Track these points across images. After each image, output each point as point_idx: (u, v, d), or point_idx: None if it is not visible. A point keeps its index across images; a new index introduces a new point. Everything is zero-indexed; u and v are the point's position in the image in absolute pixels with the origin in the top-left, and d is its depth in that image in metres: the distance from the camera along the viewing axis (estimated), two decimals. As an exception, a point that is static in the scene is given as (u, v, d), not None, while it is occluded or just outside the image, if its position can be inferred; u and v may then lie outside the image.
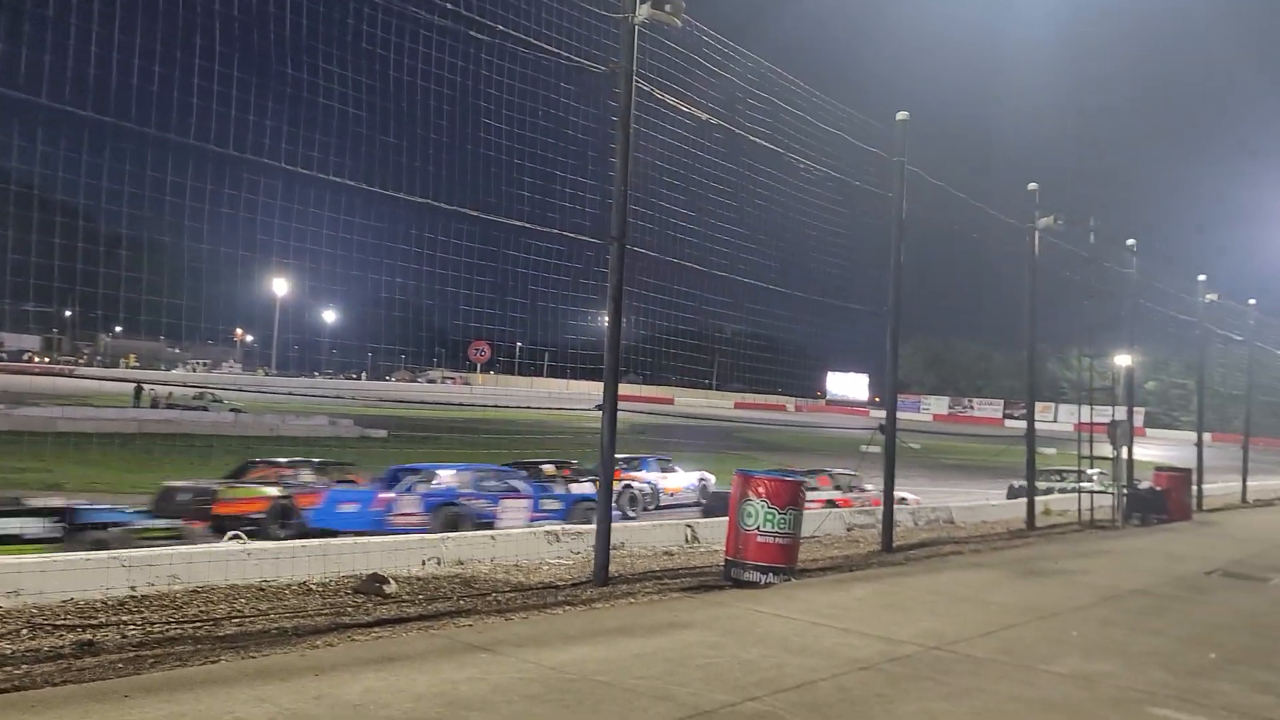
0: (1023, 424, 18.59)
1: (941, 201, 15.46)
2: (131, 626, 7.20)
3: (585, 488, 18.03)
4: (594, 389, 10.36)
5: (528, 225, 10.02)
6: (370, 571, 9.25)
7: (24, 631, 6.95)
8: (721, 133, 11.95)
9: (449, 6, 9.14)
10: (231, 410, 41.93)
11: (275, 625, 7.51)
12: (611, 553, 10.15)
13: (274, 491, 16.53)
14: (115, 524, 12.15)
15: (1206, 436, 26.82)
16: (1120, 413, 20.06)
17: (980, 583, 11.38)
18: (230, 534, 10.26)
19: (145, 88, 7.39)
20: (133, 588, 8.19)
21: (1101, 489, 19.56)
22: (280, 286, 12.05)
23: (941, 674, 7.06)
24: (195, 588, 8.45)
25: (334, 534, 12.60)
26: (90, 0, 7.10)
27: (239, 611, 7.90)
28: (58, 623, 7.20)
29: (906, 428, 15.28)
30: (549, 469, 19.33)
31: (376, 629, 7.53)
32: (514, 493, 17.06)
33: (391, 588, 8.85)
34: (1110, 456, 18.95)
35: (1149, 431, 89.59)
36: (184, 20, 7.78)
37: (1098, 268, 20.24)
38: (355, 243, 9.07)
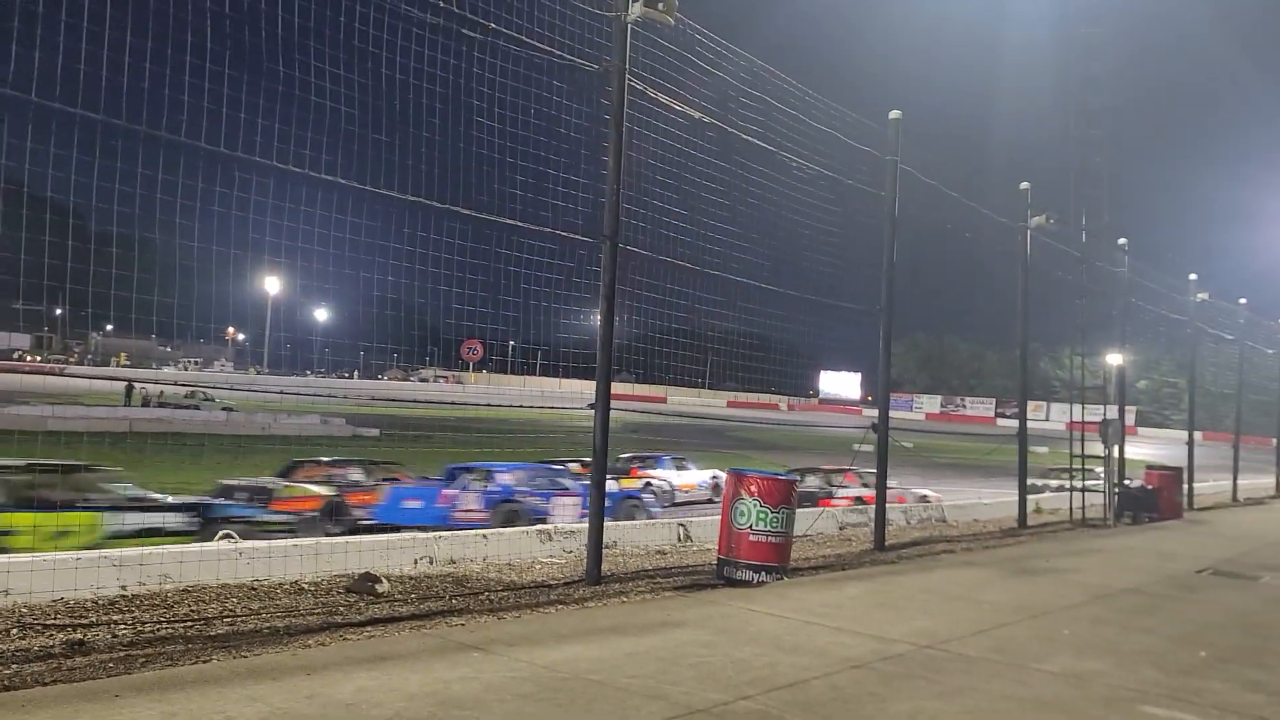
0: (1015, 423, 18.60)
1: (934, 200, 15.49)
2: (122, 626, 7.18)
3: (619, 485, 19.03)
4: (587, 388, 10.35)
5: (520, 224, 10.01)
6: (362, 571, 9.23)
7: (14, 631, 6.93)
8: (714, 131, 11.95)
9: (441, 4, 9.12)
10: (223, 409, 41.85)
11: (267, 625, 7.49)
12: (604, 552, 10.16)
13: (326, 490, 17.11)
14: (240, 518, 12.78)
15: (1198, 435, 26.95)
16: (1112, 411, 20.10)
17: (972, 581, 11.40)
18: (221, 533, 10.23)
19: (136, 85, 7.36)
20: (124, 587, 8.17)
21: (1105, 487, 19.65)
22: (272, 285, 12.02)
23: (934, 672, 7.06)
24: (186, 587, 8.43)
25: (397, 529, 13.55)
26: (80, -3, 7.08)
27: (230, 611, 7.88)
28: (48, 622, 7.17)
29: (899, 426, 15.31)
30: (575, 467, 19.99)
31: (369, 628, 7.52)
32: (564, 490, 17.66)
33: (384, 587, 8.84)
34: (1102, 455, 18.98)
35: (1140, 430, 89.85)
36: (175, 18, 7.74)
37: (1090, 267, 20.26)
38: (347, 241, 9.04)
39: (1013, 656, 7.71)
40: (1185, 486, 22.78)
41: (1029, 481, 18.78)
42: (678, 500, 25.27)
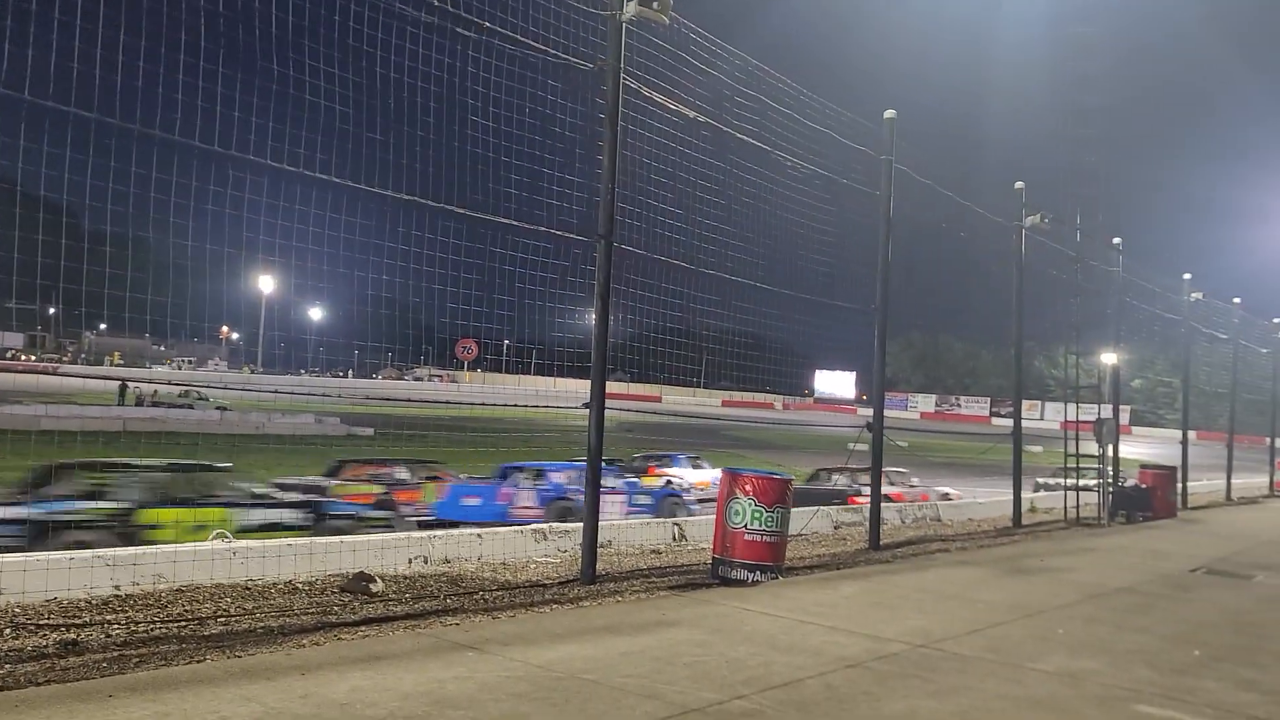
0: (1009, 422, 18.63)
1: (929, 200, 15.51)
2: (116, 626, 7.17)
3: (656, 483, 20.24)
4: (581, 387, 10.34)
5: (515, 223, 10.00)
6: (357, 570, 9.22)
7: (7, 631, 6.91)
8: (709, 130, 11.94)
9: (435, 3, 9.11)
10: (217, 408, 41.77)
11: (261, 624, 7.48)
12: (599, 551, 10.15)
13: (376, 489, 17.77)
14: (348, 515, 13.66)
15: (1192, 434, 26.94)
16: (1106, 411, 20.12)
17: (967, 580, 11.41)
18: (215, 533, 10.22)
19: (130, 84, 7.34)
20: (117, 587, 8.15)
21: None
22: (266, 284, 12.00)
23: (928, 672, 7.07)
24: (180, 587, 8.41)
25: (455, 524, 14.37)
26: (74, -4, 7.06)
27: (224, 611, 7.87)
28: (41, 622, 7.16)
29: (894, 425, 15.30)
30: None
31: (363, 628, 7.51)
32: (611, 489, 18.11)
33: (378, 586, 8.83)
34: (1096, 454, 19.01)
35: (1135, 429, 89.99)
36: (169, 16, 7.73)
37: (1084, 266, 20.30)
38: (341, 240, 9.02)
39: (1007, 656, 7.72)
40: (1179, 486, 22.82)
41: (1039, 480, 18.87)
42: (693, 497, 25.45)
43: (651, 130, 11.24)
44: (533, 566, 10.76)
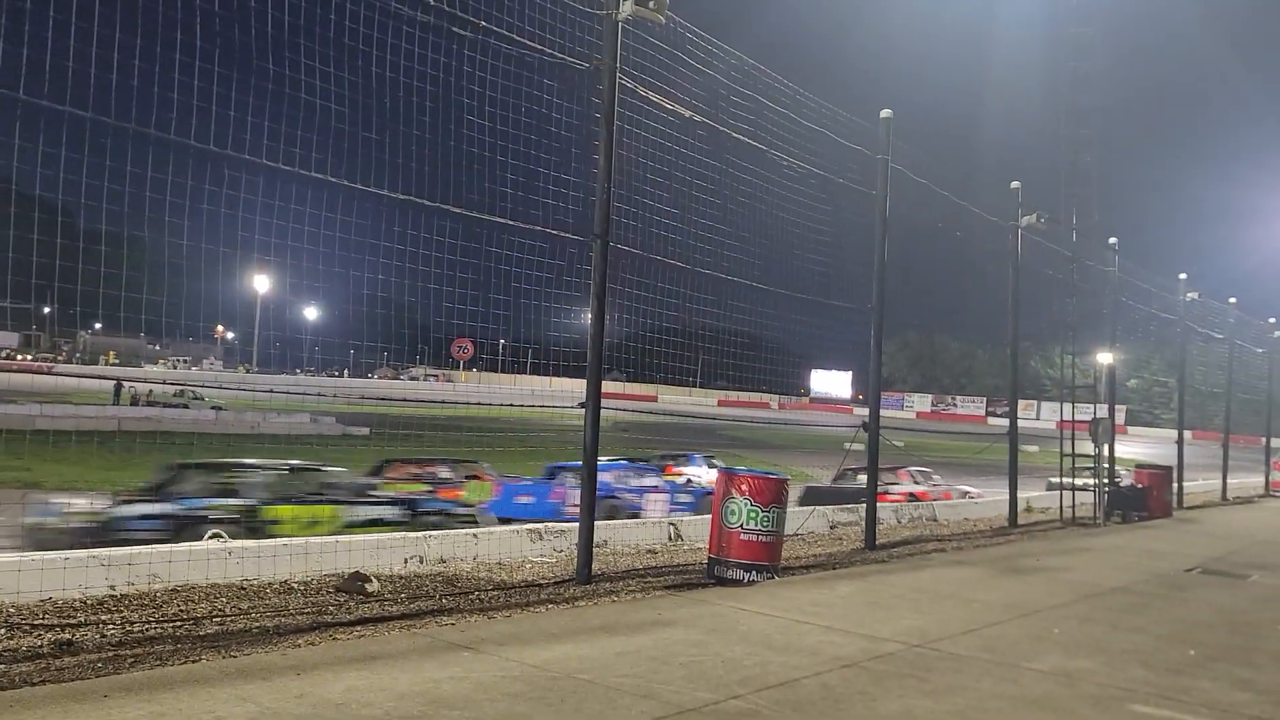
0: (1005, 421, 18.64)
1: (925, 199, 15.51)
2: (111, 626, 7.16)
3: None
4: (577, 386, 10.34)
5: (510, 222, 9.99)
6: (352, 570, 9.21)
7: (1, 631, 6.90)
8: (705, 130, 11.94)
9: (432, 2, 9.10)
10: (212, 408, 41.73)
11: (256, 624, 7.47)
12: (594, 551, 10.14)
13: (423, 487, 17.95)
14: (440, 512, 14.15)
15: (1187, 434, 26.99)
16: (1102, 410, 20.14)
17: (963, 580, 11.41)
18: (210, 533, 10.22)
19: (125, 83, 7.34)
20: (112, 587, 8.14)
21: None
22: (261, 283, 12.01)
23: (924, 671, 7.07)
24: (175, 587, 8.40)
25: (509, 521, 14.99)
26: (69, -6, 7.04)
27: (220, 610, 7.86)
28: (36, 622, 7.15)
29: (890, 425, 15.31)
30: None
31: (359, 628, 7.50)
32: (655, 488, 18.93)
33: (374, 586, 8.82)
34: (1092, 454, 19.02)
35: (1130, 429, 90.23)
36: (164, 15, 7.71)
37: (1080, 266, 20.31)
38: (337, 239, 9.01)
39: (1003, 655, 7.72)
40: (1175, 485, 22.84)
41: (1051, 480, 18.91)
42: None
43: (647, 130, 11.23)
44: (528, 566, 10.75)
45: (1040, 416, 78.58)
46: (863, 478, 22.87)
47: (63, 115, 6.96)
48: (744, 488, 10.36)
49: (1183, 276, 26.22)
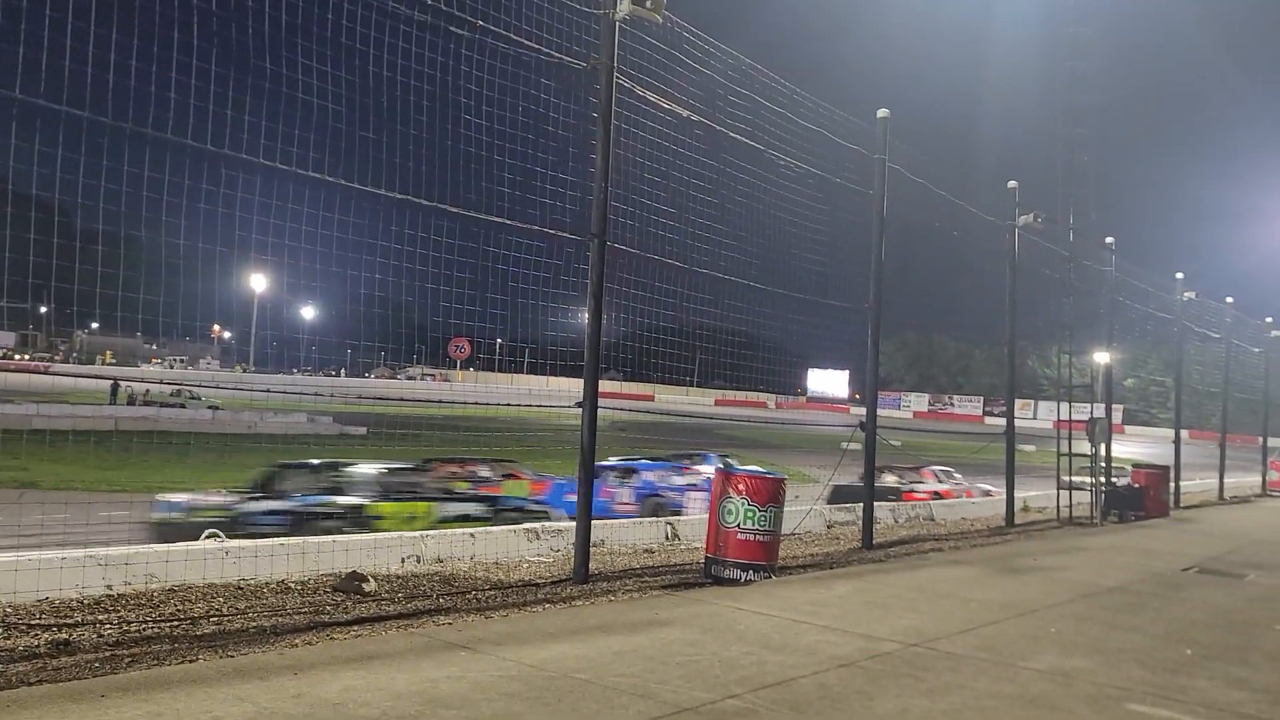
0: (1002, 421, 18.65)
1: (922, 199, 15.51)
2: (108, 626, 7.15)
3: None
4: (574, 386, 10.34)
5: (508, 221, 9.99)
6: (349, 570, 9.21)
7: (-2, 631, 6.90)
8: (702, 129, 11.94)
9: (429, 1, 9.10)
10: (209, 407, 41.74)
11: (253, 624, 7.47)
12: (591, 550, 10.15)
13: (465, 486, 18.57)
14: (518, 509, 14.97)
15: (1184, 434, 27.04)
16: (1099, 410, 20.14)
17: (960, 579, 11.42)
18: (207, 532, 10.22)
19: (123, 82, 7.33)
20: (109, 586, 8.13)
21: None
22: (258, 283, 11.99)
23: (921, 671, 7.08)
24: (172, 586, 8.39)
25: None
26: (66, -7, 7.04)
27: (217, 610, 7.86)
28: (33, 622, 7.14)
29: (887, 425, 15.32)
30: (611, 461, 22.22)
31: (355, 627, 7.50)
32: (695, 486, 19.28)
33: (371, 586, 8.82)
34: (1089, 454, 19.03)
35: (1127, 429, 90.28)
36: (161, 14, 7.71)
37: (1077, 265, 20.32)
38: (334, 239, 9.01)
39: (999, 654, 7.73)
40: (1172, 485, 22.86)
41: (1063, 479, 18.95)
42: None
43: (645, 129, 11.23)
44: (525, 566, 10.75)
45: (1037, 416, 78.72)
46: (888, 477, 23.34)
47: (59, 114, 6.96)
48: (741, 487, 10.36)
49: (1179, 276, 26.24)
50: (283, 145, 8.24)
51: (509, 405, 12.71)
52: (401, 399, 13.31)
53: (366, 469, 13.98)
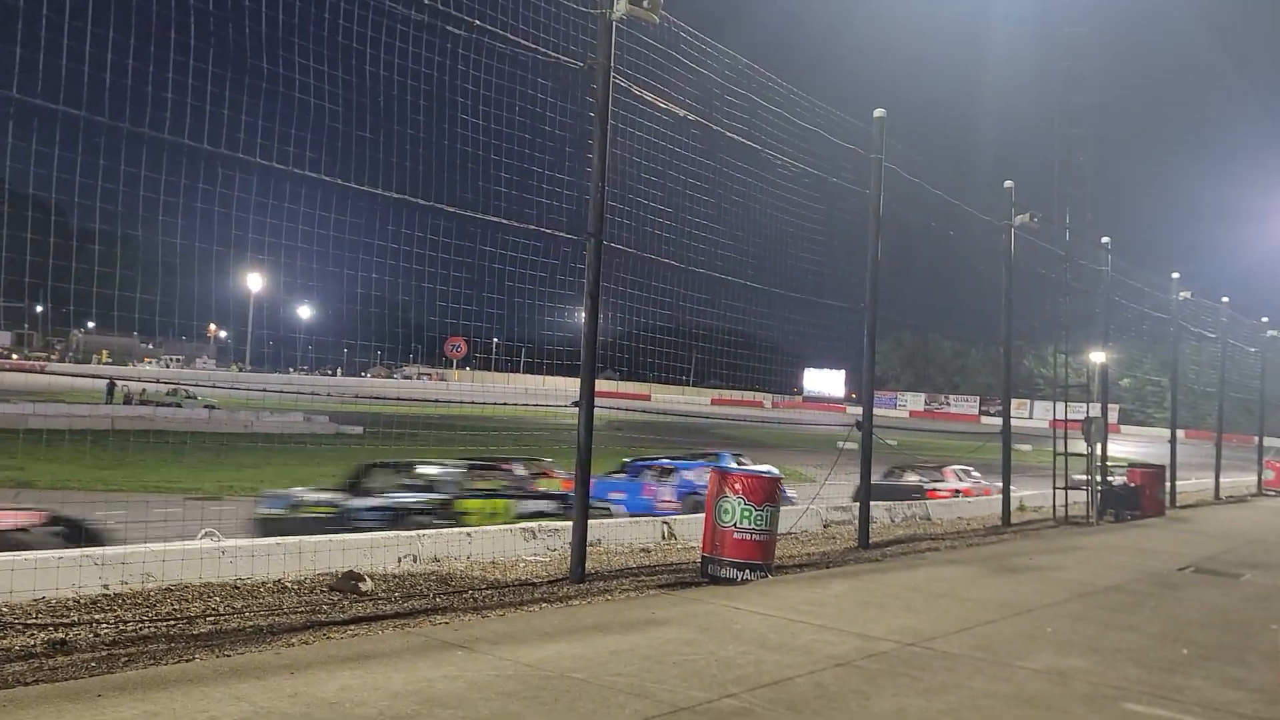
0: (999, 420, 18.66)
1: (919, 198, 15.52)
2: (104, 625, 7.14)
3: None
4: (571, 385, 10.34)
5: (504, 221, 9.99)
6: (346, 569, 9.20)
7: (-5, 630, 6.89)
8: (699, 129, 11.95)
9: (425, 1, 9.09)
10: (205, 407, 41.68)
11: (250, 623, 7.46)
12: (588, 549, 10.15)
13: (503, 484, 19.15)
14: (596, 505, 14.89)
15: (1180, 433, 27.06)
16: (1095, 409, 20.17)
17: (956, 579, 11.43)
18: (203, 531, 10.20)
19: (119, 82, 7.32)
20: (105, 586, 8.12)
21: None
22: (255, 282, 11.98)
23: (917, 670, 7.09)
24: (169, 586, 8.38)
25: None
26: (62, -7, 7.03)
27: (213, 610, 7.85)
28: (29, 621, 7.13)
29: (883, 424, 15.34)
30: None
31: (352, 627, 7.50)
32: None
33: (367, 585, 8.81)
34: (1085, 453, 19.05)
35: (1123, 428, 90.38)
36: (158, 14, 7.70)
37: (1073, 265, 20.35)
38: (331, 238, 9.01)
39: (996, 654, 7.74)
40: (1168, 484, 22.89)
41: (1074, 478, 19.02)
42: None
43: (641, 129, 11.24)
44: (522, 565, 10.75)
45: (1033, 415, 78.65)
46: (911, 476, 23.49)
47: (56, 114, 6.95)
48: (737, 486, 10.37)
49: (1175, 275, 26.29)
50: (279, 145, 8.24)
51: (505, 405, 12.68)
52: (398, 398, 13.37)
53: (452, 468, 14.56)
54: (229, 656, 6.49)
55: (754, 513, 10.30)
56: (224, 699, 5.51)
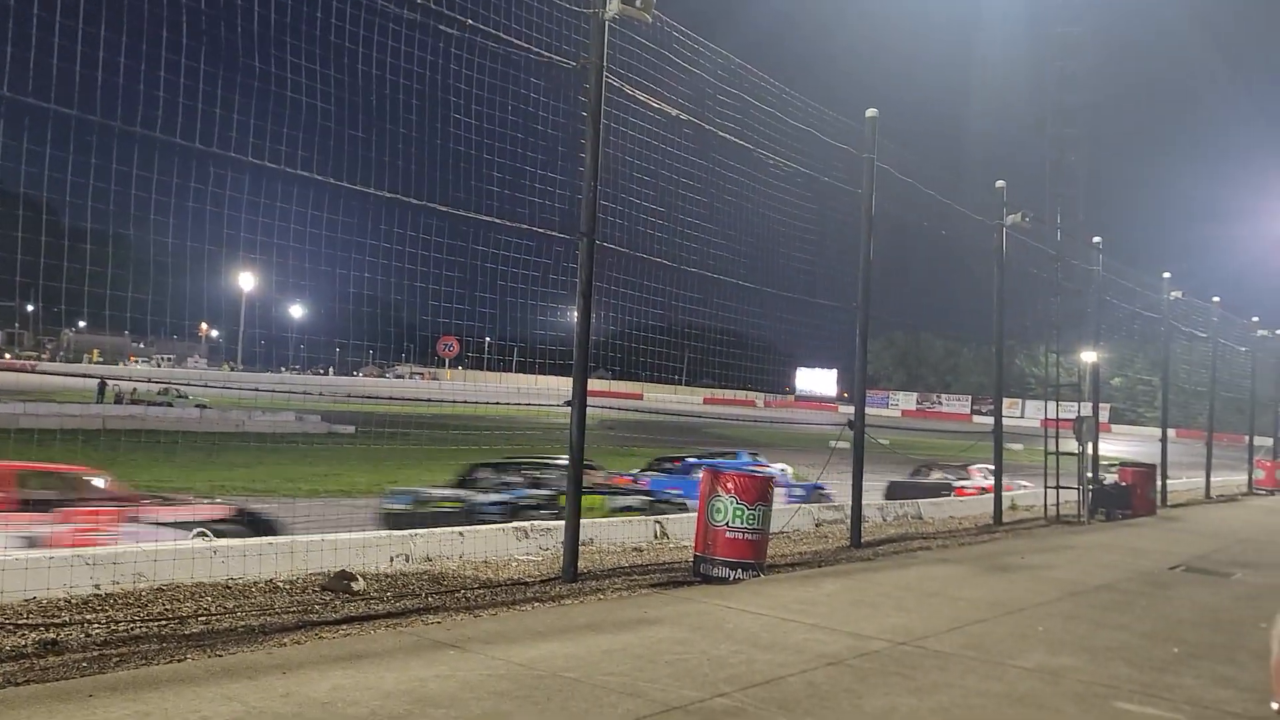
0: (990, 419, 18.70)
1: (911, 198, 15.55)
2: (96, 625, 7.13)
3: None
4: (563, 384, 10.34)
5: (497, 220, 9.98)
6: (338, 569, 9.19)
7: (-15, 630, 6.87)
8: (691, 128, 11.95)
9: (418, 0, 9.09)
10: (197, 406, 41.60)
11: (242, 623, 7.46)
12: (580, 549, 10.14)
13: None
14: (666, 500, 16.40)
15: (1171, 432, 27.12)
16: (1086, 409, 20.22)
17: (948, 578, 11.45)
18: (195, 531, 10.20)
19: (111, 80, 7.31)
20: (97, 586, 8.10)
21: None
22: (247, 281, 11.97)
23: (909, 669, 7.10)
24: (161, 586, 8.36)
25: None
26: (53, -9, 7.01)
27: (205, 610, 7.84)
28: (20, 622, 7.11)
29: (875, 423, 15.35)
30: (691, 459, 23.21)
31: (344, 626, 7.49)
32: (775, 482, 19.21)
33: (359, 585, 8.80)
34: (1076, 452, 19.09)
35: (1115, 427, 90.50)
36: (150, 12, 7.69)
37: (1065, 265, 20.41)
38: (323, 237, 8.99)
39: (987, 653, 7.75)
40: (1159, 483, 22.95)
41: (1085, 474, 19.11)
42: None
43: (634, 128, 11.24)
44: (514, 564, 10.75)
45: (1025, 415, 78.78)
46: (936, 474, 23.59)
47: (47, 112, 6.93)
48: (729, 486, 10.38)
49: (1167, 275, 26.34)
50: (271, 144, 8.22)
51: (498, 404, 12.68)
52: (390, 397, 13.32)
53: (557, 465, 15.15)
54: (221, 656, 6.49)
55: (746, 512, 10.31)
56: (216, 699, 5.50)
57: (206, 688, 5.70)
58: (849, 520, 14.04)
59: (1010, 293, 18.73)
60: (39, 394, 36.97)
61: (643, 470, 21.28)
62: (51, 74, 6.91)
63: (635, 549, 12.39)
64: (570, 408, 9.98)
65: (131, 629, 7.10)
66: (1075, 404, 19.94)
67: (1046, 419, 19.49)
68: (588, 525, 11.59)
